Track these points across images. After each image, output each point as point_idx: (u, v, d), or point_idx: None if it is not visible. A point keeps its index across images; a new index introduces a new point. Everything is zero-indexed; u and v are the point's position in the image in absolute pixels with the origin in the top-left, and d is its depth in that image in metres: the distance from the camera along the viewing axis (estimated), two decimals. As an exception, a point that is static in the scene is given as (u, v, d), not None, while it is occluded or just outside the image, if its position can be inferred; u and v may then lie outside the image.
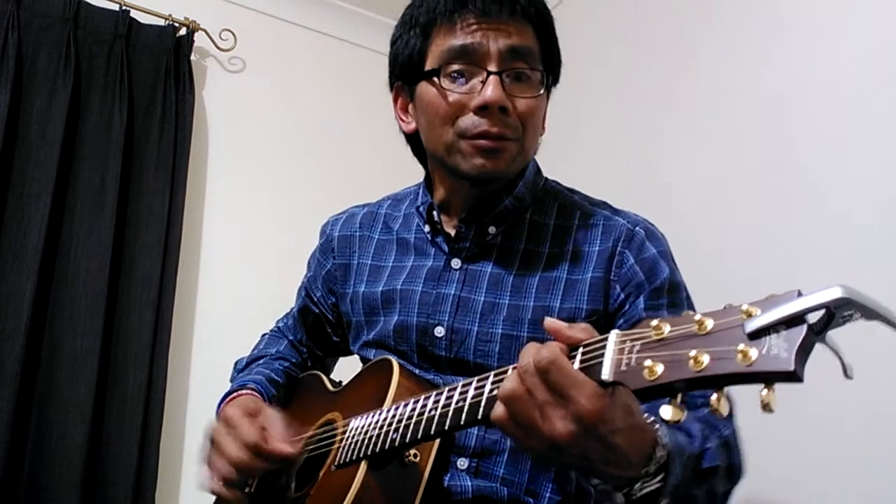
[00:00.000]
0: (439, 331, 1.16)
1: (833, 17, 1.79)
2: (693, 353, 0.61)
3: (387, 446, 0.97)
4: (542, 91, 1.16)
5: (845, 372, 0.56)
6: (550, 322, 0.78)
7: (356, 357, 1.36)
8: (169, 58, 2.58)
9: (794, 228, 1.76)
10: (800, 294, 0.57)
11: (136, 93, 2.53)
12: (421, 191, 1.32)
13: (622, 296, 1.13)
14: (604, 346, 0.71)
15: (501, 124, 1.11)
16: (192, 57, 2.67)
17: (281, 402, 1.34)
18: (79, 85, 2.42)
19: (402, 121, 1.27)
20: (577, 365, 0.72)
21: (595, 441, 0.71)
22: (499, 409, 0.76)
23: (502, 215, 1.21)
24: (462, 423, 0.86)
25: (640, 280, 1.13)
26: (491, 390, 0.82)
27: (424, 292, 1.20)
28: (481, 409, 0.83)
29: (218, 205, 2.71)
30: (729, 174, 1.97)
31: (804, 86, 1.82)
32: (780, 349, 0.55)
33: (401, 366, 1.12)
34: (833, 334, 0.58)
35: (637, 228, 1.18)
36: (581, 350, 0.74)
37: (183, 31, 2.64)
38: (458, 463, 1.09)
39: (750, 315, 0.59)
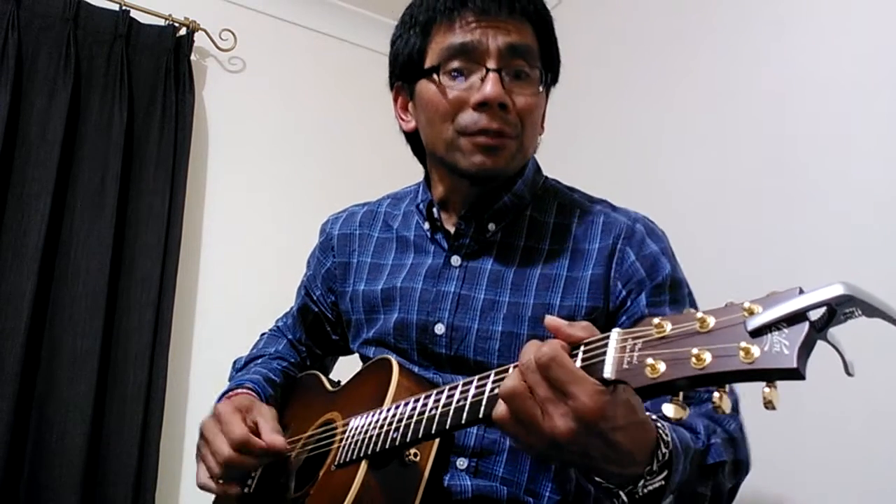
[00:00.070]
0: (439, 328, 1.16)
1: (833, 17, 1.79)
2: (695, 350, 0.61)
3: (387, 446, 0.96)
4: (541, 89, 1.17)
5: (847, 369, 0.57)
6: (551, 320, 0.78)
7: (355, 357, 1.37)
8: (169, 58, 2.58)
9: (794, 228, 1.76)
10: (801, 291, 0.57)
11: (136, 93, 2.53)
12: (421, 189, 1.32)
13: (623, 293, 1.13)
14: (605, 345, 0.71)
15: (501, 121, 1.11)
16: (192, 57, 2.67)
17: (278, 402, 1.34)
18: (79, 85, 2.42)
19: (402, 120, 1.28)
20: (578, 363, 0.72)
21: (596, 438, 0.71)
22: (500, 408, 0.76)
23: (502, 212, 1.21)
24: (463, 422, 0.86)
25: (642, 277, 1.13)
26: (492, 389, 0.82)
27: (424, 290, 1.20)
28: (482, 409, 0.83)
29: (218, 205, 2.71)
30: (729, 174, 1.97)
31: (804, 86, 1.82)
32: (782, 346, 0.55)
33: (400, 365, 1.12)
34: (834, 331, 0.58)
35: (637, 225, 1.18)
36: (583, 348, 0.73)
37: (183, 31, 2.64)
38: (457, 462, 1.09)
39: (751, 313, 0.59)
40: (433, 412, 0.91)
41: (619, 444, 0.72)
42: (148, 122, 2.52)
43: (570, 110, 2.41)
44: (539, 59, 1.17)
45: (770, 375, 0.56)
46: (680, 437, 0.84)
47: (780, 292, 0.58)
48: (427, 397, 0.94)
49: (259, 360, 1.43)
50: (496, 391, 0.79)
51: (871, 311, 0.54)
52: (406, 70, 1.22)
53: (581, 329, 0.76)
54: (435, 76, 1.15)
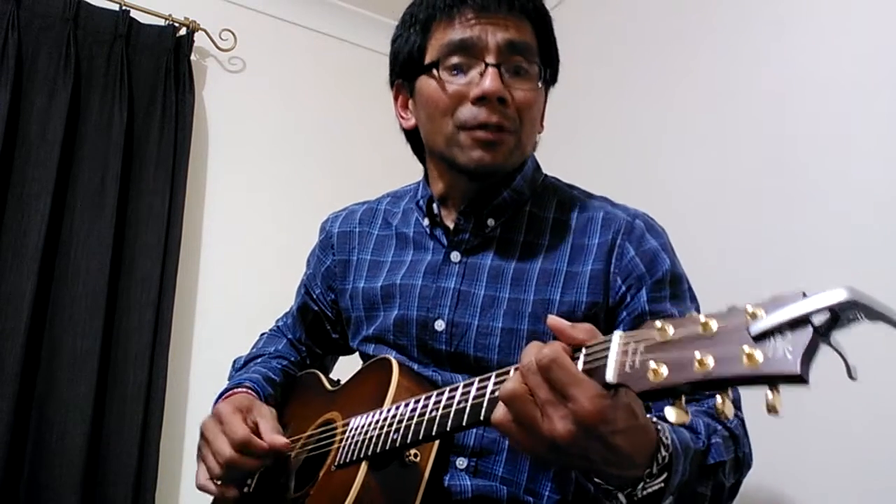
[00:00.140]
0: (439, 324, 1.17)
1: (833, 17, 1.79)
2: (698, 355, 0.61)
3: (387, 447, 0.97)
4: (539, 85, 1.18)
5: (850, 373, 0.56)
6: (554, 320, 0.78)
7: (355, 356, 1.37)
8: (169, 58, 2.57)
9: (794, 228, 1.75)
10: (804, 295, 0.57)
11: (136, 93, 2.52)
12: (420, 186, 1.33)
13: (623, 288, 1.13)
14: (607, 348, 0.71)
15: (500, 115, 1.12)
16: (192, 57, 2.66)
17: (278, 401, 1.34)
18: (79, 85, 2.42)
19: (402, 118, 1.29)
20: (580, 366, 0.72)
21: (596, 441, 0.71)
22: (500, 410, 0.76)
23: (501, 208, 1.21)
24: (464, 424, 0.85)
25: (642, 272, 1.13)
26: (493, 391, 0.82)
27: (424, 286, 1.20)
28: (483, 411, 0.83)
29: (218, 205, 2.71)
30: (729, 174, 1.97)
31: (804, 86, 1.82)
32: (786, 351, 0.55)
33: (400, 364, 1.12)
34: (837, 335, 0.58)
35: (637, 221, 1.18)
36: (584, 351, 0.73)
37: (183, 31, 2.64)
38: (457, 462, 1.09)
39: (755, 317, 0.58)
40: (433, 414, 0.91)
41: (618, 447, 0.72)
42: (148, 122, 2.52)
43: (571, 110, 2.41)
44: (538, 56, 1.18)
45: (773, 381, 0.56)
46: (680, 438, 0.84)
47: (784, 296, 0.58)
48: (427, 398, 0.94)
49: (259, 360, 1.43)
50: (497, 393, 0.79)
51: (874, 315, 0.54)
52: (406, 67, 1.23)
53: (584, 331, 0.76)
54: (434, 72, 1.16)
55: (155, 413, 2.31)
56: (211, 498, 1.20)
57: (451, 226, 1.23)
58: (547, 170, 1.32)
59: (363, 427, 1.04)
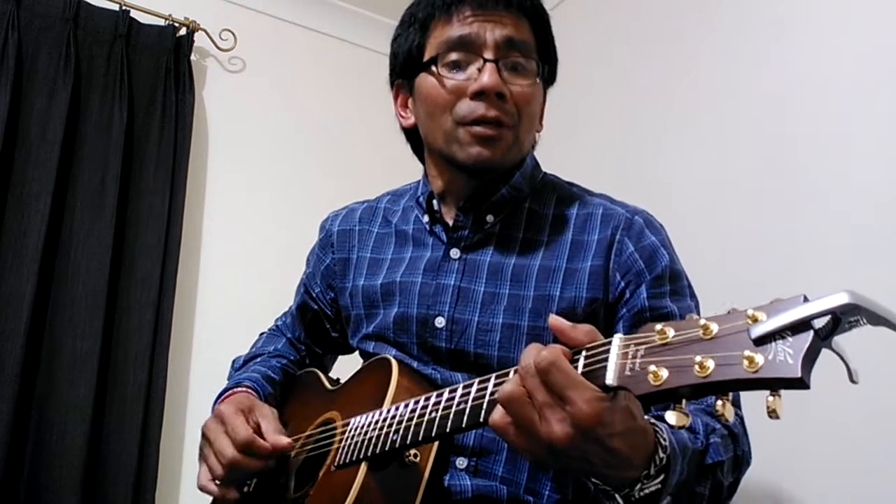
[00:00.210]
0: (440, 321, 1.17)
1: (833, 17, 1.79)
2: (698, 358, 0.61)
3: (387, 448, 0.97)
4: (537, 80, 1.18)
5: (851, 377, 0.56)
6: (555, 320, 0.78)
7: (354, 355, 1.37)
8: (169, 58, 2.57)
9: (794, 228, 1.75)
10: (806, 299, 0.56)
11: (136, 93, 2.52)
12: (420, 183, 1.33)
13: (622, 284, 1.13)
14: (607, 351, 0.70)
15: (498, 110, 1.13)
16: (192, 57, 2.66)
17: (278, 400, 1.34)
18: (79, 85, 2.41)
19: (402, 117, 1.30)
20: (580, 369, 0.72)
21: (594, 444, 0.71)
22: (498, 413, 0.76)
23: (500, 204, 1.22)
24: (463, 425, 0.85)
25: (640, 268, 1.13)
26: (492, 392, 0.82)
27: (424, 283, 1.20)
28: (482, 413, 0.82)
29: (218, 205, 2.71)
30: (729, 174, 1.97)
31: (804, 86, 1.82)
32: (787, 355, 0.55)
33: (399, 364, 1.12)
34: (837, 338, 0.58)
35: (636, 217, 1.19)
36: (584, 354, 0.73)
37: (183, 31, 2.63)
38: (457, 462, 1.09)
39: (755, 320, 0.58)
40: (433, 415, 0.91)
41: (617, 449, 0.72)
42: (148, 122, 2.52)
43: (571, 110, 2.41)
44: (535, 53, 1.19)
45: (774, 384, 0.56)
46: (678, 438, 0.84)
47: (785, 300, 0.58)
48: (427, 399, 0.94)
49: (258, 359, 1.43)
50: (496, 395, 0.79)
51: (876, 319, 0.54)
52: (405, 66, 1.24)
53: (584, 333, 0.76)
54: (433, 68, 1.17)
55: (155, 413, 2.31)
56: (211, 498, 1.20)
57: (451, 222, 1.23)
58: (547, 169, 1.32)
59: (363, 427, 1.04)
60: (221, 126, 2.77)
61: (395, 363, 1.12)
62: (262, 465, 1.12)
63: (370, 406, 1.06)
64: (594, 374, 0.70)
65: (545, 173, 1.31)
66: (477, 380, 0.87)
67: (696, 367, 0.60)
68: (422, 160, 1.34)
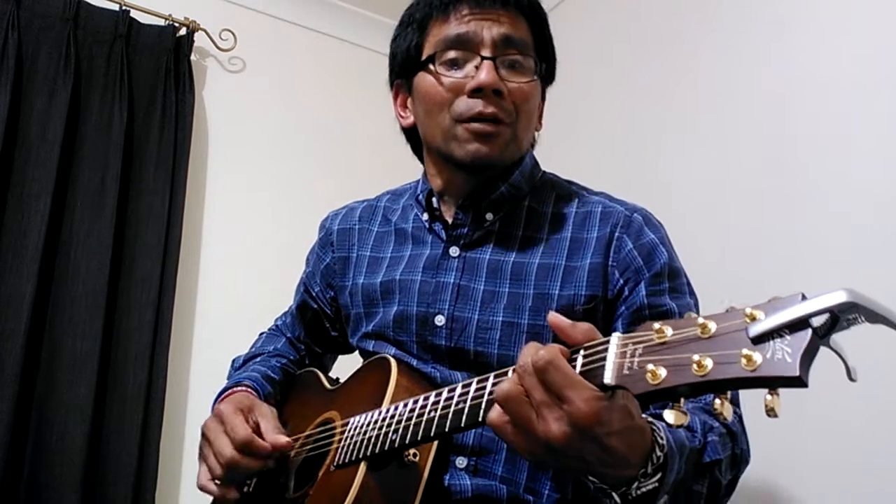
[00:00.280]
0: (439, 319, 1.17)
1: (833, 17, 1.79)
2: (696, 357, 0.61)
3: (386, 447, 0.97)
4: (535, 77, 1.18)
5: (849, 375, 0.56)
6: (554, 318, 0.78)
7: (354, 355, 1.37)
8: (169, 58, 2.57)
9: (794, 228, 1.75)
10: (804, 297, 0.56)
11: (136, 93, 2.52)
12: (420, 181, 1.33)
13: (621, 281, 1.13)
14: (606, 349, 0.70)
15: (496, 106, 1.14)
16: (192, 57, 2.66)
17: (277, 400, 1.34)
18: (79, 85, 2.42)
19: (402, 116, 1.31)
20: (579, 368, 0.72)
21: (591, 443, 0.71)
22: (495, 411, 0.76)
23: (499, 202, 1.22)
24: (462, 425, 0.85)
25: (639, 265, 1.13)
26: (491, 392, 0.82)
27: (424, 281, 1.20)
28: (481, 412, 0.82)
29: (218, 205, 2.71)
30: (729, 174, 1.97)
31: (804, 86, 1.81)
32: (785, 354, 0.55)
33: (399, 364, 1.12)
34: (835, 336, 0.58)
35: (635, 215, 1.19)
36: (582, 353, 0.73)
37: (183, 31, 2.63)
38: (456, 462, 1.09)
39: (753, 318, 0.58)
40: (432, 414, 0.91)
41: (614, 448, 0.72)
42: (148, 122, 2.52)
43: (571, 109, 2.41)
44: (533, 51, 1.20)
45: (772, 383, 0.56)
46: (676, 437, 0.84)
47: (783, 298, 0.58)
48: (426, 398, 0.94)
49: (258, 359, 1.43)
50: (494, 393, 0.79)
51: (874, 317, 0.54)
52: (404, 66, 1.25)
53: (583, 331, 0.76)
54: (431, 66, 1.18)
55: (155, 413, 2.31)
56: (211, 498, 1.20)
57: (450, 220, 1.24)
58: (546, 169, 1.33)
59: (362, 427, 1.04)
60: (221, 126, 2.77)
61: (394, 362, 1.12)
62: (261, 465, 1.12)
63: (369, 405, 1.06)
64: (592, 372, 0.70)
65: (544, 172, 1.31)
66: (476, 379, 0.87)
67: (695, 365, 0.60)
68: (422, 160, 1.34)
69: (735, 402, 1.05)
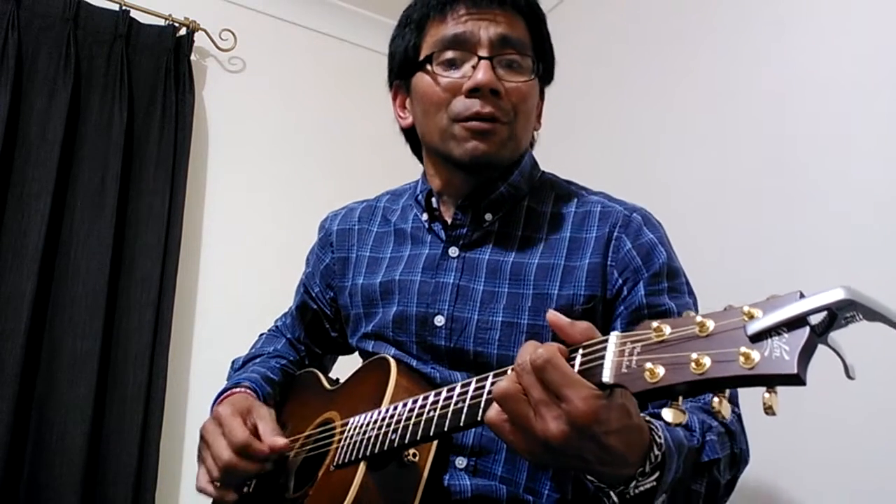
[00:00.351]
0: (439, 320, 1.17)
1: (833, 17, 1.78)
2: (694, 355, 0.61)
3: (385, 447, 0.97)
4: (533, 77, 1.18)
5: (847, 372, 0.56)
6: (553, 317, 0.78)
7: (354, 356, 1.37)
8: (169, 58, 2.57)
9: (794, 228, 1.75)
10: (802, 295, 0.56)
11: (136, 93, 2.52)
12: (419, 181, 1.33)
13: (620, 281, 1.13)
14: (604, 348, 0.70)
15: (493, 106, 1.14)
16: (192, 57, 2.66)
17: (277, 401, 1.34)
18: (79, 85, 2.42)
19: (401, 117, 1.31)
20: (577, 367, 0.72)
21: (589, 442, 0.71)
22: (493, 410, 0.76)
23: (498, 202, 1.22)
24: (462, 424, 0.85)
25: (638, 265, 1.13)
26: (490, 391, 0.82)
27: (423, 282, 1.21)
28: (480, 411, 0.83)
29: (218, 205, 2.71)
30: (729, 174, 1.97)
31: (804, 86, 1.81)
32: (783, 352, 0.55)
33: (398, 364, 1.12)
34: (833, 334, 0.58)
35: (634, 214, 1.19)
36: (581, 352, 0.73)
37: (183, 31, 2.64)
38: (456, 462, 1.09)
39: (751, 317, 0.58)
40: (431, 414, 0.91)
41: (612, 447, 0.72)
42: (148, 122, 2.52)
43: (570, 110, 2.41)
44: (531, 50, 1.20)
45: (770, 381, 0.56)
46: (674, 436, 0.84)
47: (781, 296, 0.58)
48: (425, 398, 0.94)
49: (258, 360, 1.43)
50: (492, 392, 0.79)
51: (872, 315, 0.54)
52: (402, 66, 1.25)
53: (582, 330, 0.76)
54: (429, 66, 1.18)
55: (155, 413, 2.31)
56: (211, 500, 1.20)
57: (449, 220, 1.24)
58: (545, 169, 1.33)
59: (361, 427, 1.04)
60: (221, 126, 2.77)
61: (393, 362, 1.12)
62: (259, 468, 1.12)
63: (369, 406, 1.06)
64: (591, 371, 0.70)
65: (543, 172, 1.32)
66: (475, 378, 0.87)
67: (693, 364, 0.60)
68: (421, 160, 1.34)
69: (734, 401, 1.05)
